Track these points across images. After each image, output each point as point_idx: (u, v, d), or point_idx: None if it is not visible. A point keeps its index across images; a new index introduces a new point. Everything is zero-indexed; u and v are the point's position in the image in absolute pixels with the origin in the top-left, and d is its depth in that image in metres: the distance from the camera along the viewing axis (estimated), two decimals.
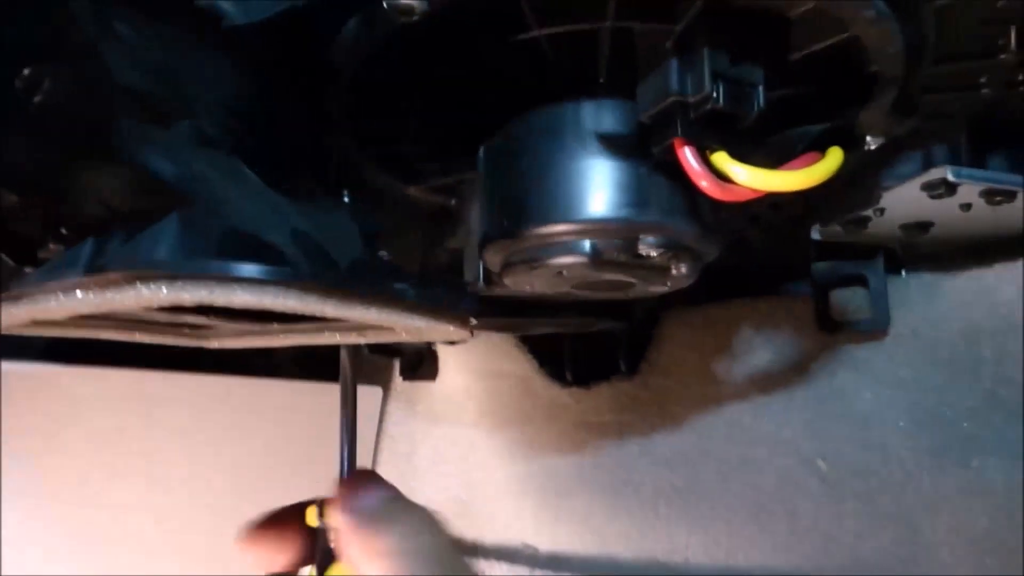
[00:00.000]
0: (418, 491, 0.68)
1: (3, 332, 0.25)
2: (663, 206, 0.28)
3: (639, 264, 0.30)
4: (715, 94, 0.24)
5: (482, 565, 0.58)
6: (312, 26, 0.26)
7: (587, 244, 0.29)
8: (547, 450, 0.60)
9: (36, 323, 0.29)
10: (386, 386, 0.72)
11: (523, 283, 0.33)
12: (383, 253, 0.46)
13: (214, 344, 0.40)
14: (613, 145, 0.28)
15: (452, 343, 0.61)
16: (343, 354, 0.39)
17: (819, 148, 0.28)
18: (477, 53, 0.28)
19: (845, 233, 0.42)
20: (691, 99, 0.25)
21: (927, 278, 0.45)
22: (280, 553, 0.30)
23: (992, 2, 0.26)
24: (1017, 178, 0.34)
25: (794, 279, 0.51)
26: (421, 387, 0.71)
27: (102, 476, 0.54)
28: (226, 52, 0.27)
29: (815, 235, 0.43)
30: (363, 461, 0.68)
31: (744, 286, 0.53)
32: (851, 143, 0.28)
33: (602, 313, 0.41)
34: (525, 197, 0.29)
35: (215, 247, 0.24)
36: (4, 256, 0.31)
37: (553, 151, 0.29)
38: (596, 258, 0.29)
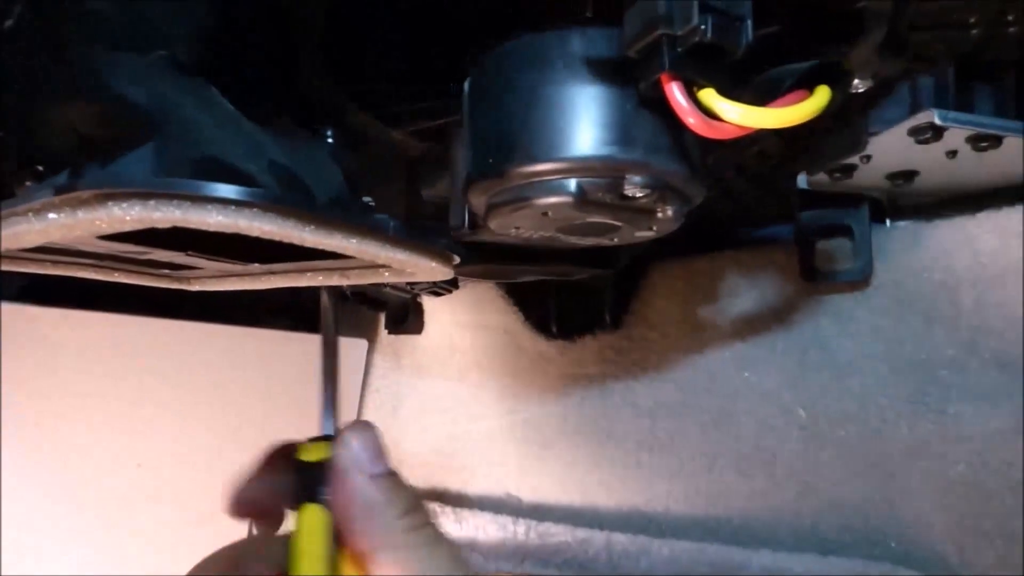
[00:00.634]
0: (403, 443, 0.69)
1: None
2: (649, 144, 0.27)
3: (625, 206, 0.30)
4: (703, 26, 0.24)
5: (466, 514, 0.59)
6: None
7: (572, 183, 0.28)
8: (532, 402, 0.61)
9: (13, 258, 0.28)
10: (372, 339, 0.72)
11: (508, 225, 0.33)
12: (367, 198, 0.45)
13: (195, 287, 0.40)
14: (599, 80, 0.27)
15: (438, 293, 0.61)
16: (324, 299, 0.39)
17: (806, 87, 0.27)
18: None
19: (832, 182, 0.42)
20: (678, 32, 0.24)
21: (910, 228, 0.45)
22: (263, 494, 0.30)
23: None
24: (1004, 122, 0.34)
25: (779, 230, 0.51)
26: (407, 340, 0.71)
27: (79, 420, 0.54)
28: None
29: (802, 184, 0.43)
30: (348, 415, 0.69)
31: (729, 237, 0.53)
32: (838, 82, 0.28)
33: (586, 261, 0.41)
34: (509, 135, 0.29)
35: (190, 173, 0.23)
36: None
37: (537, 86, 0.28)
38: (581, 198, 0.28)
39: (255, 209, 0.20)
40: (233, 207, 0.20)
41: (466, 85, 0.32)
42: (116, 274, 0.36)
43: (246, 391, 0.62)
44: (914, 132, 0.35)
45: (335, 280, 0.33)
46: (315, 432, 0.32)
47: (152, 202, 0.19)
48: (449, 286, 0.61)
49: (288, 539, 0.28)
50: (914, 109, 0.34)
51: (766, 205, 0.52)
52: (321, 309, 0.38)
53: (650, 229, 0.33)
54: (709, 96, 0.25)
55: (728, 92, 0.26)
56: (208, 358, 0.60)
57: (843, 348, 0.46)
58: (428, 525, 0.28)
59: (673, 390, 0.53)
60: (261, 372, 0.62)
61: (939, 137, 0.35)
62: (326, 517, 0.28)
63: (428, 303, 0.69)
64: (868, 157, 0.39)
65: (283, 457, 0.30)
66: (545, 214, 0.30)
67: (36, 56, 0.27)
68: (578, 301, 0.59)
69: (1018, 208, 0.41)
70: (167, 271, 0.37)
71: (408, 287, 0.58)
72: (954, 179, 0.42)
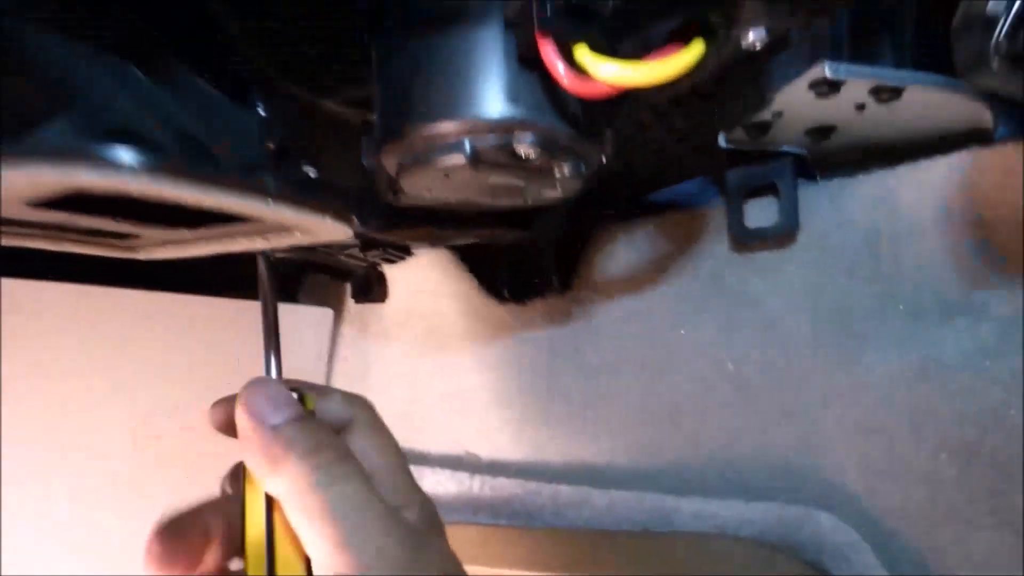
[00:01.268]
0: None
1: None
2: (533, 103, 0.29)
3: (520, 165, 0.31)
4: None
5: (427, 472, 0.62)
6: None
7: (466, 144, 0.30)
8: (487, 365, 0.63)
9: None
10: (338, 309, 0.74)
11: (419, 187, 0.34)
12: (309, 169, 0.46)
13: (142, 256, 0.41)
14: (487, 42, 0.29)
15: (390, 260, 0.62)
16: (259, 262, 0.40)
17: (683, 42, 0.29)
18: None
19: (750, 139, 0.43)
20: None
21: (836, 184, 0.46)
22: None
23: None
24: (898, 73, 0.35)
25: (715, 190, 0.52)
26: (373, 309, 0.73)
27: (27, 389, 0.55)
28: None
29: (722, 142, 0.44)
30: (314, 381, 0.71)
31: (669, 199, 0.55)
32: (715, 37, 0.29)
33: (512, 224, 0.42)
34: (408, 97, 0.30)
35: (97, 140, 0.25)
36: None
37: (431, 49, 0.29)
38: (475, 158, 0.30)
39: (134, 170, 0.22)
40: (114, 169, 0.21)
41: (374, 51, 0.33)
42: (65, 244, 0.38)
43: (220, 359, 0.63)
44: (813, 86, 0.36)
45: (259, 244, 0.34)
46: None
47: (35, 165, 0.20)
48: (400, 252, 0.63)
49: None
50: (811, 62, 0.35)
51: (701, 165, 0.53)
52: (258, 275, 0.40)
53: (554, 188, 0.34)
54: (580, 53, 0.27)
55: (605, 51, 0.27)
56: (182, 328, 0.62)
57: (770, 303, 0.47)
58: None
59: (615, 349, 0.55)
60: (231, 340, 0.63)
61: (837, 90, 0.36)
62: None
63: (391, 272, 0.71)
64: (779, 113, 0.41)
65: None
66: (446, 175, 0.32)
67: None
68: (528, 266, 0.61)
69: (935, 160, 0.42)
70: (112, 239, 0.38)
71: (362, 255, 0.60)
72: (872, 133, 0.43)
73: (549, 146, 0.30)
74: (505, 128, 0.29)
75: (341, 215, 0.29)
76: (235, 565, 0.33)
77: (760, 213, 0.48)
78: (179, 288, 0.62)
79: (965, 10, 0.25)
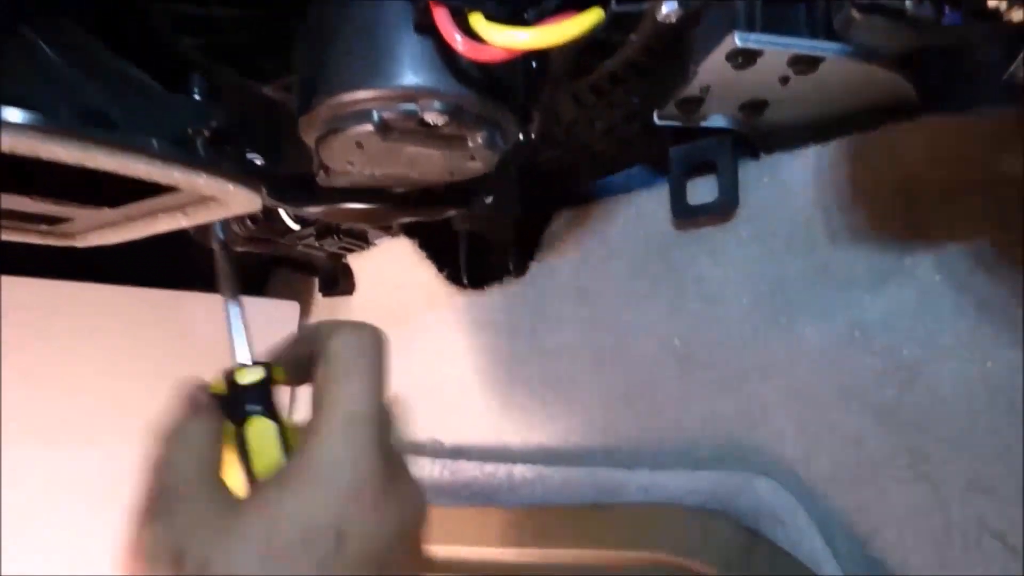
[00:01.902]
0: None
1: None
2: (435, 71, 0.29)
3: (431, 134, 0.32)
4: None
5: None
6: None
7: (373, 113, 0.31)
8: (451, 352, 0.64)
9: None
10: (307, 303, 0.75)
11: (338, 160, 0.35)
12: (255, 157, 0.47)
13: (79, 242, 0.43)
14: (386, 12, 0.30)
15: (348, 249, 0.63)
16: (216, 251, 0.41)
17: (578, 7, 0.29)
18: None
19: (682, 115, 0.44)
20: None
21: (774, 159, 0.47)
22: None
23: None
24: (809, 42, 0.35)
25: (662, 167, 0.53)
26: (341, 302, 0.74)
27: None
28: None
29: (656, 120, 0.45)
30: None
31: (621, 179, 0.56)
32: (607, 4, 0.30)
33: (444, 200, 0.43)
34: (315, 71, 0.31)
35: None
36: None
37: (336, 25, 0.30)
38: (383, 126, 0.31)
39: (21, 128, 0.23)
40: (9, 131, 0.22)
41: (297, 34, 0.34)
42: (4, 232, 0.39)
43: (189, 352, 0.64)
44: (730, 57, 0.37)
45: (181, 221, 0.35)
46: None
47: None
48: (358, 241, 0.64)
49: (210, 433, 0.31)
50: (725, 34, 0.36)
51: (650, 147, 0.54)
52: (215, 262, 0.41)
53: (473, 160, 0.35)
54: (474, 20, 0.27)
55: (501, 16, 0.28)
56: (147, 320, 0.63)
57: (713, 279, 0.48)
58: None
59: (571, 332, 0.56)
60: (198, 334, 0.64)
61: (753, 61, 0.37)
62: (275, 425, 0.32)
63: (356, 265, 0.72)
64: (707, 88, 0.41)
65: (203, 391, 0.33)
66: (359, 145, 0.33)
67: None
68: (486, 252, 0.62)
69: (866, 135, 0.43)
70: (44, 225, 0.40)
71: (319, 244, 0.61)
72: (804, 109, 0.43)
73: (457, 113, 0.31)
74: (410, 96, 0.30)
75: (248, 183, 0.30)
76: None
77: (704, 191, 0.49)
78: (176, 285, 0.63)
79: None
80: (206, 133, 0.37)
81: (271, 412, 0.33)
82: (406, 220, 0.45)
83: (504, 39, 0.27)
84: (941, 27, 0.26)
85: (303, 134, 0.34)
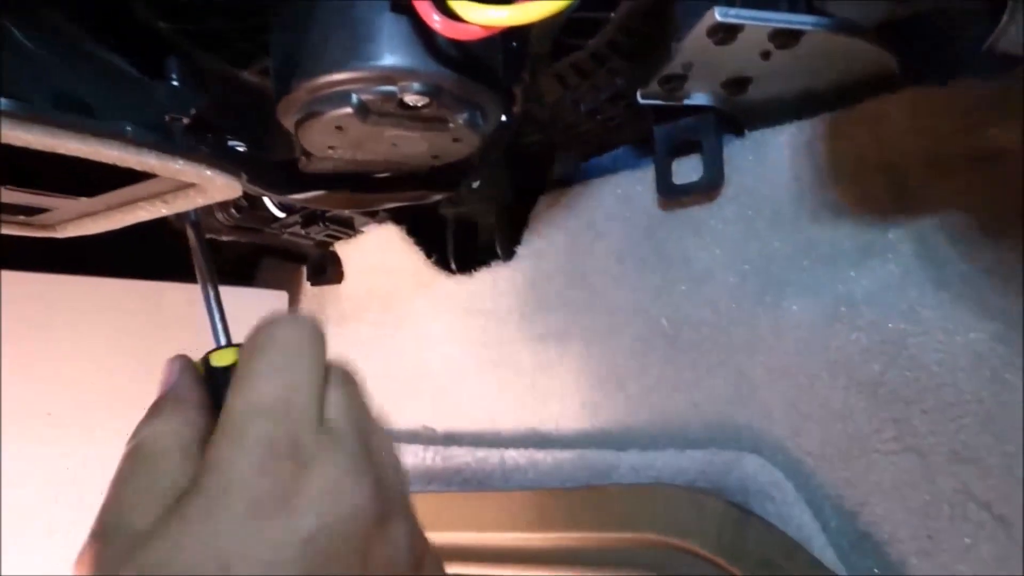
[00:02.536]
0: None
1: None
2: (412, 52, 0.29)
3: (412, 115, 0.32)
4: None
5: None
6: None
7: (353, 96, 0.30)
8: (440, 338, 0.63)
9: None
10: (295, 292, 0.75)
11: (319, 144, 0.35)
12: (237, 144, 0.47)
13: (60, 233, 0.42)
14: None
15: (335, 236, 0.63)
16: (189, 232, 0.40)
17: None
18: None
19: (665, 93, 0.44)
20: None
21: (757, 136, 0.47)
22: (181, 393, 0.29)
23: None
24: (790, 16, 0.35)
25: (647, 148, 0.53)
26: (330, 291, 0.74)
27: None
28: None
29: (639, 99, 0.45)
30: None
31: (605, 161, 0.55)
32: None
33: (430, 183, 0.43)
34: (293, 54, 0.31)
35: None
36: None
37: (311, 7, 0.30)
38: (362, 108, 0.30)
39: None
40: None
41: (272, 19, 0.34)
42: None
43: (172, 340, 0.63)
44: (711, 33, 0.37)
45: (162, 209, 0.35)
46: None
47: None
48: (344, 228, 0.64)
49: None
50: (707, 9, 0.36)
51: (637, 127, 0.53)
52: (190, 244, 0.40)
53: (457, 142, 0.35)
54: (453, 1, 0.27)
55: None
56: (134, 311, 0.63)
57: (700, 258, 0.48)
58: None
59: (560, 315, 0.56)
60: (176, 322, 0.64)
61: (734, 37, 0.37)
62: None
63: (344, 253, 0.72)
64: (689, 65, 0.41)
65: (189, 368, 0.30)
66: (339, 128, 0.32)
67: None
68: (474, 237, 0.61)
69: (849, 109, 0.43)
70: (24, 216, 0.39)
71: (305, 232, 0.60)
72: (788, 84, 0.43)
73: (436, 93, 0.30)
74: (388, 77, 0.30)
75: (225, 169, 0.30)
76: None
77: (689, 170, 0.49)
78: (160, 275, 0.63)
79: None
80: (185, 120, 0.36)
81: None
82: (391, 205, 0.45)
83: (482, 17, 0.27)
84: None
85: (282, 118, 0.34)
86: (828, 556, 0.37)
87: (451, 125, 0.33)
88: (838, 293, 0.40)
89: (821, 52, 0.39)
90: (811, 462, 0.40)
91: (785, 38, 0.37)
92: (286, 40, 0.32)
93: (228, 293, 0.68)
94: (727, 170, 0.47)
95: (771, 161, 0.46)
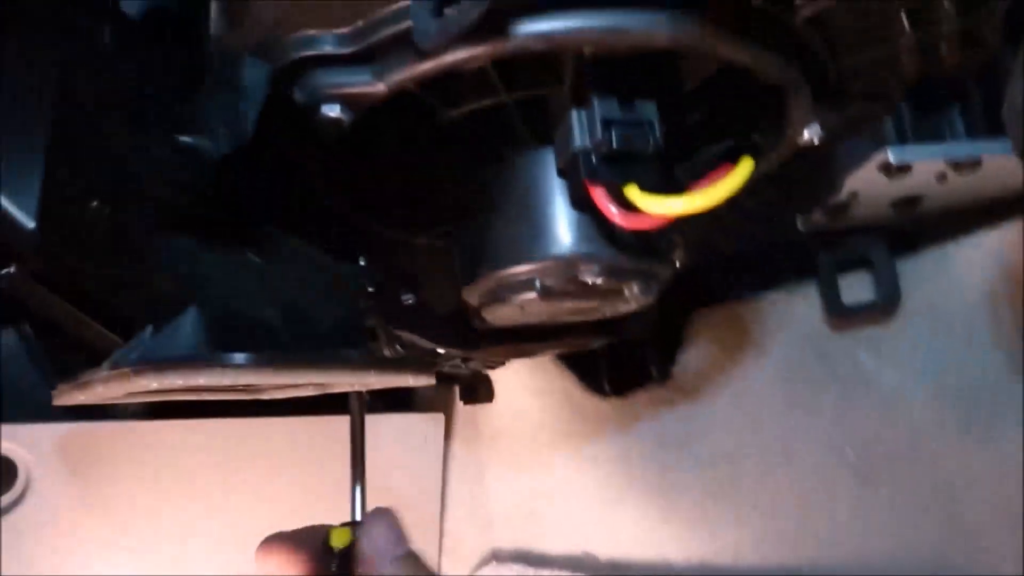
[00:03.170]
0: (487, 507, 0.73)
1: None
2: (590, 240, 0.31)
3: (589, 291, 0.33)
4: (608, 139, 0.27)
5: (545, 574, 0.62)
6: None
7: (536, 282, 0.32)
8: (596, 460, 0.63)
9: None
10: (449, 412, 0.78)
11: (500, 318, 0.37)
12: (407, 296, 0.51)
13: (266, 396, 0.47)
14: (541, 193, 0.31)
15: (491, 367, 0.65)
16: (352, 402, 0.43)
17: (731, 161, 0.30)
18: (410, 136, 0.32)
19: (829, 220, 0.43)
20: (589, 145, 0.28)
21: (936, 249, 0.44)
22: (293, 568, 0.34)
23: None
24: (967, 145, 0.34)
25: (807, 266, 0.51)
26: (482, 409, 0.76)
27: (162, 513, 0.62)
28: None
29: (800, 226, 0.44)
30: (432, 485, 0.74)
31: (761, 279, 0.54)
32: (761, 153, 0.30)
33: (597, 331, 0.43)
34: (480, 247, 0.33)
35: (218, 333, 0.30)
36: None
37: (494, 206, 0.33)
38: (546, 293, 0.32)
39: (242, 367, 0.26)
40: (233, 370, 0.26)
41: (452, 206, 0.37)
42: (204, 394, 0.44)
43: (307, 475, 0.67)
44: (883, 169, 0.36)
45: (356, 385, 0.38)
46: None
47: (164, 373, 0.25)
48: (502, 359, 0.66)
49: None
50: (877, 145, 0.35)
51: (791, 244, 0.52)
52: (350, 408, 0.43)
53: (627, 304, 0.36)
54: (630, 192, 0.28)
55: (656, 182, 0.29)
56: (268, 448, 0.67)
57: (884, 381, 0.45)
58: None
59: (727, 437, 0.54)
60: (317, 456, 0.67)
61: (909, 170, 0.35)
62: None
63: (496, 373, 0.74)
64: (855, 194, 0.40)
65: (315, 540, 0.34)
66: (522, 307, 0.34)
67: (116, 245, 0.35)
68: (627, 358, 0.61)
69: None
70: (240, 388, 0.44)
71: (463, 364, 0.63)
72: (962, 196, 0.41)
73: (614, 273, 0.32)
74: (569, 264, 0.31)
75: (421, 369, 0.32)
76: None
77: (858, 287, 0.47)
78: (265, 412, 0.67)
79: (1009, 99, 0.25)
80: (371, 290, 0.40)
81: None
82: (555, 352, 0.46)
83: (664, 209, 0.28)
84: None
85: (467, 297, 0.36)
86: None
87: (625, 293, 0.34)
88: None
89: (1002, 169, 0.37)
90: None
91: (962, 167, 0.35)
92: (471, 231, 0.34)
93: (389, 421, 0.72)
94: (903, 286, 0.45)
95: (956, 274, 0.43)
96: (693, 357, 0.57)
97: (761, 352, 0.53)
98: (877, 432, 0.44)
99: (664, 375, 0.58)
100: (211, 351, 0.27)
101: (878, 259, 0.45)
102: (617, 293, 0.34)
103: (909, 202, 0.41)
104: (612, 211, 0.29)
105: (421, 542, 0.35)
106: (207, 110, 0.30)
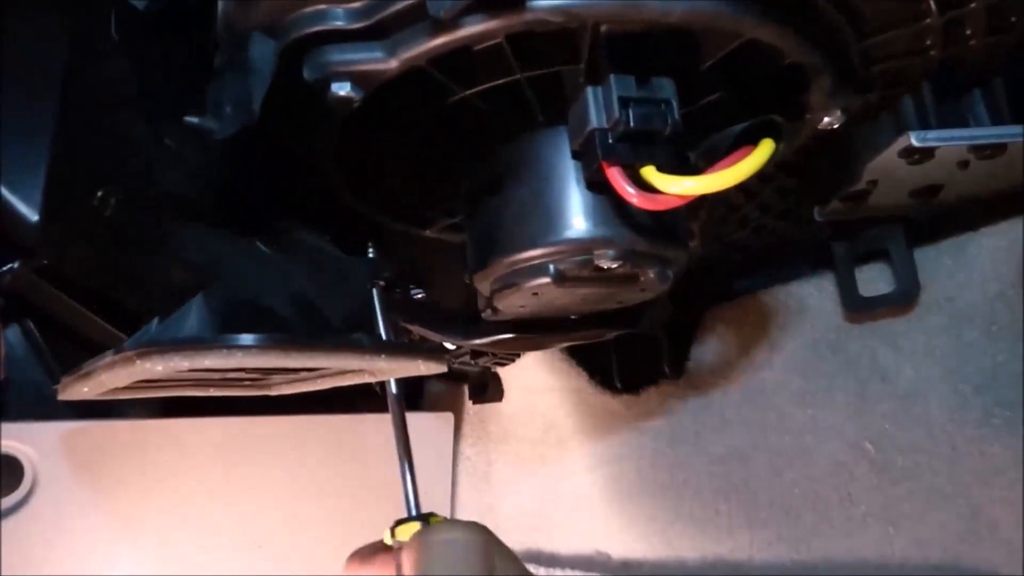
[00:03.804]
0: (496, 507, 0.72)
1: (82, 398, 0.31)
2: (606, 223, 0.30)
3: (604, 276, 0.32)
4: (626, 118, 0.27)
5: (557, 574, 0.61)
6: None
7: (550, 267, 0.31)
8: (607, 458, 0.62)
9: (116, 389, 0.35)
10: (458, 411, 0.77)
11: (512, 306, 0.36)
12: (417, 292, 0.50)
13: (274, 392, 0.46)
14: (557, 174, 0.31)
15: (501, 363, 0.64)
16: (389, 391, 0.43)
17: (751, 143, 0.29)
18: (421, 118, 0.32)
19: (848, 210, 0.42)
20: (606, 125, 0.27)
21: (955, 240, 0.43)
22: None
23: None
24: (991, 131, 0.33)
25: (823, 258, 0.50)
26: (491, 408, 0.75)
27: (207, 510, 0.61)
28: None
29: (817, 216, 0.43)
30: (442, 484, 0.73)
31: (775, 272, 0.53)
32: (782, 134, 0.29)
33: (610, 323, 0.43)
34: (492, 232, 0.33)
35: (225, 319, 0.29)
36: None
37: (506, 189, 0.32)
38: (560, 278, 0.31)
39: (258, 348, 0.25)
40: (240, 351, 0.25)
41: (462, 195, 0.37)
42: (211, 389, 0.43)
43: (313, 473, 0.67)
44: (904, 155, 0.35)
45: (368, 379, 0.38)
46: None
47: (168, 355, 0.24)
48: (511, 355, 0.65)
49: None
50: (899, 131, 0.34)
51: (806, 236, 0.51)
52: (389, 403, 0.42)
53: (644, 291, 0.35)
54: (648, 173, 0.28)
55: (672, 164, 0.28)
56: (276, 447, 0.66)
57: (902, 374, 0.44)
58: None
59: (740, 433, 0.53)
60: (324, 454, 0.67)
61: (931, 156, 0.35)
62: None
63: (504, 372, 0.73)
64: (874, 182, 0.39)
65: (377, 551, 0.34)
66: (535, 294, 0.33)
67: (127, 233, 0.34)
68: (638, 354, 0.60)
69: None
70: (248, 382, 0.44)
71: (474, 362, 0.63)
72: (982, 184, 0.40)
73: (630, 257, 0.31)
74: (584, 248, 0.30)
75: (433, 357, 0.32)
76: None
77: (875, 279, 0.46)
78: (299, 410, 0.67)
79: None
80: (382, 284, 0.40)
81: None
82: (567, 344, 0.46)
83: (678, 188, 0.27)
84: None
85: (477, 285, 0.36)
86: None
87: (641, 279, 0.33)
88: None
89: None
90: None
91: (987, 150, 0.34)
92: (482, 216, 0.34)
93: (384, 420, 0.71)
94: (921, 278, 0.44)
95: (975, 266, 0.42)
96: (706, 352, 0.56)
97: (775, 347, 0.52)
98: (895, 426, 0.43)
99: (677, 371, 0.57)
100: (218, 334, 0.27)
101: (896, 250, 0.44)
102: (632, 279, 0.33)
103: (929, 190, 0.41)
104: (629, 192, 0.28)
105: None
106: (214, 90, 0.30)
